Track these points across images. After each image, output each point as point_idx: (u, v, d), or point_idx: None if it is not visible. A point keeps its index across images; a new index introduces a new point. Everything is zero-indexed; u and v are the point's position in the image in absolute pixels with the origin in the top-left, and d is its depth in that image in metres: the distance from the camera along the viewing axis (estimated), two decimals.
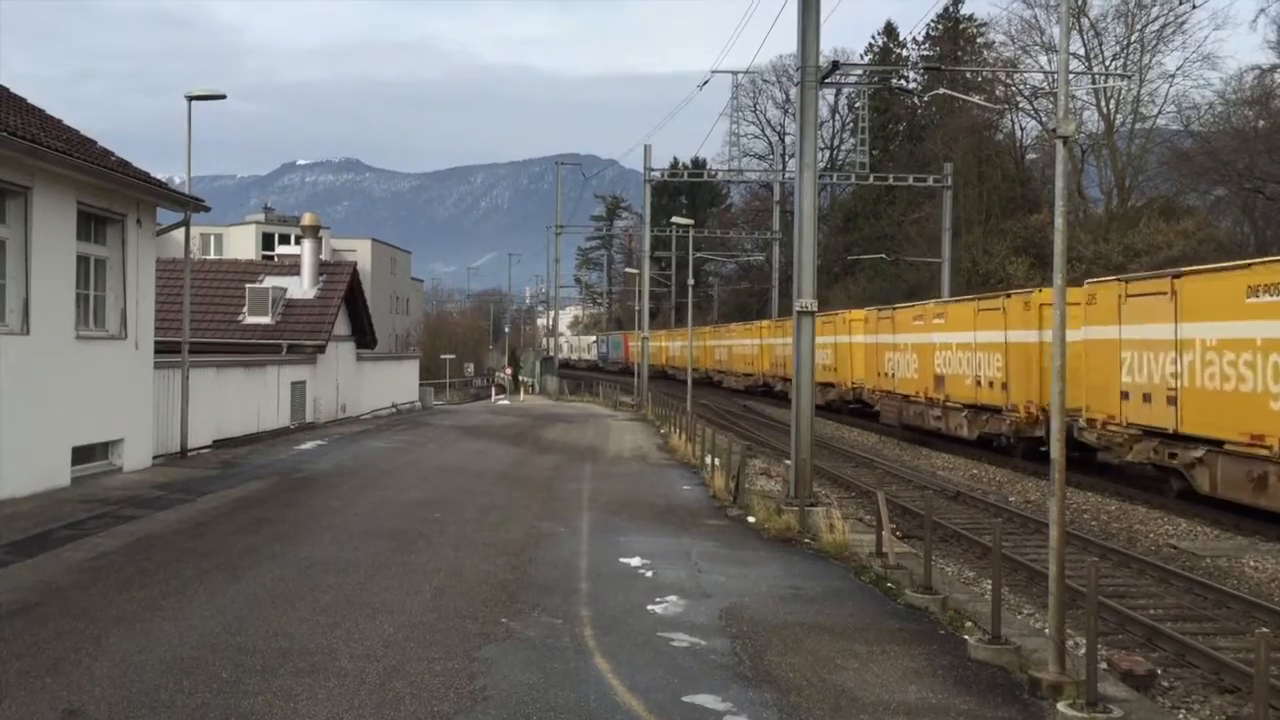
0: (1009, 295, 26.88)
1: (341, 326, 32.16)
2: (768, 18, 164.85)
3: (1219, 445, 17.45)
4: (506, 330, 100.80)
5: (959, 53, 69.04)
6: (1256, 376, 16.53)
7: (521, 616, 8.92)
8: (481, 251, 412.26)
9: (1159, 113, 53.56)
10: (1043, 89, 53.15)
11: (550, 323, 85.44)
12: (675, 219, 47.31)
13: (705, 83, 45.16)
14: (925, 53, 72.83)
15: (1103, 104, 52.45)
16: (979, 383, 27.17)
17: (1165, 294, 19.08)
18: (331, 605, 9.00)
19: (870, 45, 79.50)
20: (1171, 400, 18.71)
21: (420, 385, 46.87)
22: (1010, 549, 14.49)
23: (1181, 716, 8.74)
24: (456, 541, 12.18)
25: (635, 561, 11.53)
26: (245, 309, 30.27)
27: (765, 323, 54.76)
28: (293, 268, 32.27)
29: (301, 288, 31.24)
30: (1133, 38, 51.92)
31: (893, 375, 33.74)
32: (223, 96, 21.16)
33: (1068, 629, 8.41)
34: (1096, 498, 20.95)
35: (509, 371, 69.12)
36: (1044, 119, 55.04)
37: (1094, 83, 50.27)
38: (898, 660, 8.20)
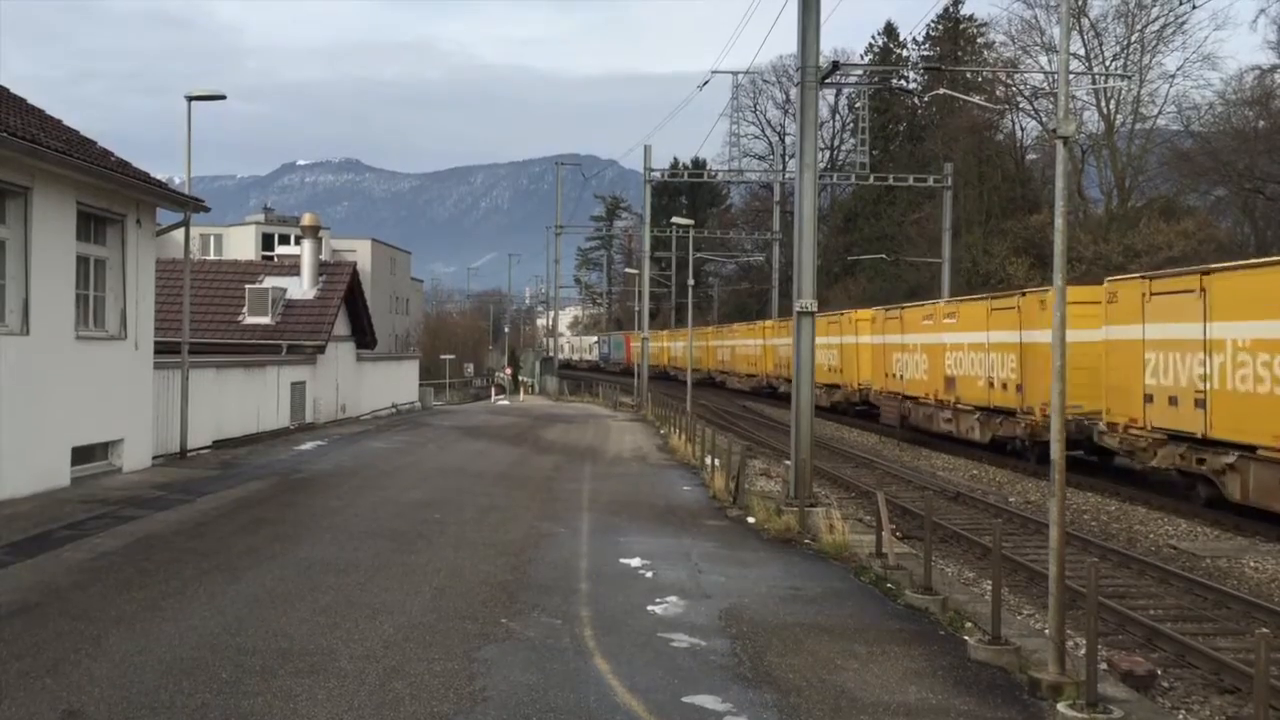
0: (1024, 294, 25.97)
1: (341, 327, 32.16)
2: (768, 18, 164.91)
3: (1252, 450, 16.65)
4: (506, 330, 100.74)
5: (959, 53, 69.03)
6: None
7: (521, 617, 8.91)
8: (481, 252, 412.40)
9: (1159, 113, 53.66)
10: (1043, 89, 53.28)
11: (550, 323, 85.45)
12: (675, 219, 47.25)
13: (705, 83, 45.23)
14: (925, 53, 72.80)
15: (1103, 104, 52.51)
16: (992, 384, 26.41)
17: (1193, 291, 18.20)
18: (331, 606, 8.99)
19: (870, 45, 79.62)
20: (1200, 403, 17.91)
21: (420, 385, 46.85)
22: (1010, 549, 14.50)
23: (1181, 717, 8.74)
24: (456, 542, 12.18)
25: (635, 562, 11.53)
26: (245, 309, 30.27)
27: (769, 323, 53.98)
28: (292, 268, 32.27)
29: (301, 288, 31.24)
30: (1133, 38, 51.97)
31: (900, 376, 32.82)
32: (223, 97, 21.17)
33: (1068, 629, 8.42)
34: (1096, 498, 20.94)
35: (509, 372, 69.05)
36: (1044, 119, 55.08)
37: (1094, 83, 50.27)
38: (898, 661, 8.20)
